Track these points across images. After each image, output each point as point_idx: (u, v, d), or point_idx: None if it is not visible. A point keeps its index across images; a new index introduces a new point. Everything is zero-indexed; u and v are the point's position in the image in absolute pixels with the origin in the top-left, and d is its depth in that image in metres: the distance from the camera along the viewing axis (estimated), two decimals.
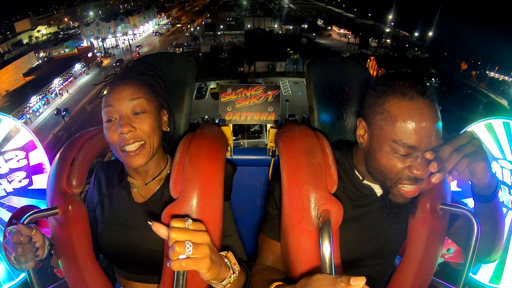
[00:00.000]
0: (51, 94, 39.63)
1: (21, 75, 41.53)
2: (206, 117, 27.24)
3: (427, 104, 1.06)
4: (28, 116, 34.79)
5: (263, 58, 45.16)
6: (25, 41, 57.59)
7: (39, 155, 1.85)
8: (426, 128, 1.05)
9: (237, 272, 1.08)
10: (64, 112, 35.46)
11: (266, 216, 1.42)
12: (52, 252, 1.34)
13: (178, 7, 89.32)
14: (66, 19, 70.65)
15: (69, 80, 43.83)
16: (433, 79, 42.07)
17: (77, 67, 46.83)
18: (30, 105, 35.73)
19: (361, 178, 1.30)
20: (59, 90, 41.09)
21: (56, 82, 41.19)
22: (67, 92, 40.80)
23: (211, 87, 36.95)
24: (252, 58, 44.82)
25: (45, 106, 38.00)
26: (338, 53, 49.31)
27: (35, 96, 36.68)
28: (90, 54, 51.62)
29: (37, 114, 36.54)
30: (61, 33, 66.42)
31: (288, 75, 44.73)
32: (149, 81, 1.35)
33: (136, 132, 1.24)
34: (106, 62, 52.48)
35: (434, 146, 1.07)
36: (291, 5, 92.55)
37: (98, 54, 54.74)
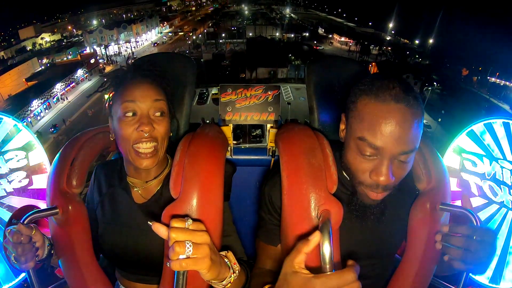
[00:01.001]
0: (53, 98, 39.71)
1: (24, 80, 41.49)
2: (207, 121, 26.99)
3: (399, 108, 1.04)
4: (29, 119, 34.84)
5: (265, 65, 45.31)
6: (29, 47, 57.90)
7: (39, 155, 1.85)
8: (391, 131, 1.03)
9: (237, 271, 1.08)
10: (52, 129, 34.91)
11: (260, 222, 1.42)
12: (52, 252, 1.34)
13: (181, 16, 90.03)
14: (69, 27, 71.22)
15: (71, 86, 43.94)
16: (435, 83, 42.07)
17: (80, 72, 47.00)
18: (32, 108, 35.76)
19: (349, 179, 1.29)
20: (61, 95, 41.25)
21: (58, 87, 41.29)
22: (66, 99, 40.83)
23: (213, 92, 37.01)
24: (253, 65, 44.95)
25: (46, 111, 38.13)
26: None
27: (36, 100, 36.74)
28: (92, 61, 51.80)
29: (38, 118, 36.64)
30: (65, 40, 66.91)
31: (290, 81, 44.78)
32: (162, 84, 1.36)
33: (154, 132, 1.26)
34: (108, 69, 52.58)
35: (401, 152, 1.06)
36: (292, 15, 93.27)
37: (100, 60, 55.08)
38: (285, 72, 46.09)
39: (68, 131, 34.06)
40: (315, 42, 64.48)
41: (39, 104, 36.93)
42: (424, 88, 39.86)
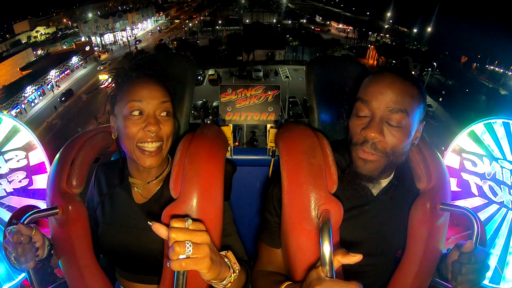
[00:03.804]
0: (47, 85, 39.19)
1: (18, 69, 40.51)
2: (204, 99, 27.79)
3: (392, 75, 1.18)
4: (23, 106, 34.54)
5: (262, 47, 45.05)
6: (24, 41, 57.12)
7: (39, 155, 1.84)
8: (379, 87, 1.17)
9: (237, 271, 1.09)
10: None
11: (265, 224, 1.41)
12: (52, 252, 1.34)
13: (177, 7, 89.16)
14: (65, 20, 70.30)
15: (65, 73, 43.48)
16: (435, 63, 41.95)
17: (74, 60, 46.35)
18: (26, 95, 35.34)
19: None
20: (56, 81, 40.79)
21: (53, 73, 40.74)
22: (53, 92, 40.09)
23: (209, 73, 37.24)
24: (250, 47, 44.62)
25: (40, 97, 37.74)
26: (338, 41, 49.15)
27: (30, 86, 36.27)
28: (87, 48, 51.08)
29: (32, 104, 36.30)
30: (60, 33, 66.16)
31: (288, 63, 44.68)
32: (167, 85, 1.36)
33: (160, 132, 1.27)
34: (103, 56, 52.51)
35: (388, 108, 1.15)
36: (289, 4, 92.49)
37: (95, 48, 54.54)
38: (282, 54, 45.83)
39: (63, 115, 34.28)
40: (313, 27, 64.18)
41: (33, 91, 36.48)
42: (424, 72, 39.84)
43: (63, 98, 37.52)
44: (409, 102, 1.15)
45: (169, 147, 1.34)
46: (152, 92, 1.27)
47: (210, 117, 27.33)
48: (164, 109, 1.29)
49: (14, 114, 32.37)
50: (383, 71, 1.21)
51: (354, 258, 0.92)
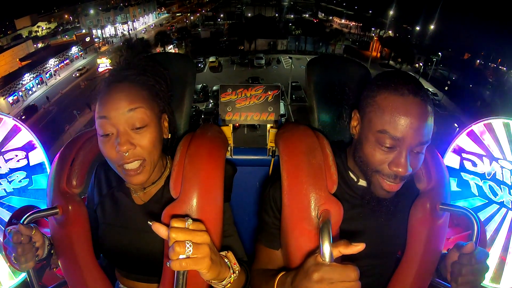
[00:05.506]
0: (46, 74, 39.21)
1: (18, 60, 40.33)
2: (204, 84, 28.95)
3: (417, 102, 1.09)
4: (20, 93, 34.45)
5: (264, 36, 45.20)
6: (25, 35, 57.08)
7: (39, 155, 1.83)
8: (411, 123, 1.08)
9: (237, 272, 1.08)
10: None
11: (263, 226, 1.39)
12: (52, 252, 1.34)
13: (178, 3, 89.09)
14: (66, 16, 70.39)
15: (65, 62, 43.50)
16: (440, 53, 41.92)
17: (74, 50, 46.31)
18: (23, 82, 35.19)
19: (355, 179, 1.31)
20: (55, 71, 40.94)
21: (51, 62, 40.70)
22: (46, 85, 39.97)
23: (210, 60, 38.10)
24: (252, 36, 44.73)
25: (38, 86, 37.82)
26: (340, 31, 49.31)
27: (28, 74, 36.17)
28: (88, 39, 51.12)
29: (30, 92, 36.33)
30: (61, 28, 66.27)
31: (290, 52, 44.62)
32: (149, 81, 1.25)
33: (135, 150, 1.17)
34: (104, 48, 52.84)
35: (419, 143, 1.10)
36: (291, 2, 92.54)
37: (96, 40, 54.90)
38: (285, 44, 45.97)
39: (60, 101, 34.77)
40: (315, 21, 64.17)
41: (31, 79, 36.33)
42: (428, 65, 39.76)
43: (23, 117, 30.73)
44: (432, 128, 1.13)
45: (157, 158, 1.25)
46: (116, 102, 1.15)
47: (211, 101, 27.99)
48: (134, 120, 1.15)
49: (10, 102, 32.61)
50: (408, 93, 1.09)
51: (357, 248, 0.92)
